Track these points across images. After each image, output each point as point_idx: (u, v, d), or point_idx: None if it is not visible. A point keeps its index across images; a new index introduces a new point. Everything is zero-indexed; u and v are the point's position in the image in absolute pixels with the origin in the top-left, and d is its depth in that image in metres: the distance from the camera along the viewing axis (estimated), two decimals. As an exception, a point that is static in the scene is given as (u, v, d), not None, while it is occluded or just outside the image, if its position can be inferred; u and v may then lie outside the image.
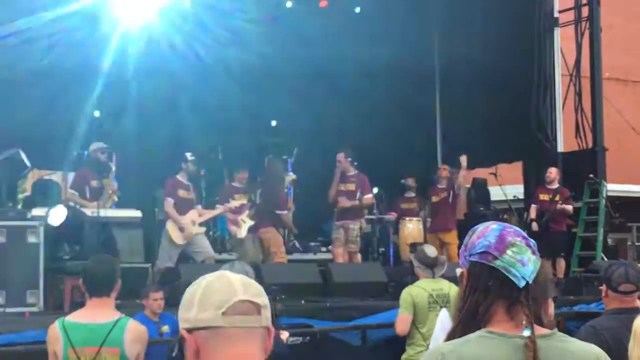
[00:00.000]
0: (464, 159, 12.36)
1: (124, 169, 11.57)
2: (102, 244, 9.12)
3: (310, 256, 13.31)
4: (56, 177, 14.13)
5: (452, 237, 12.29)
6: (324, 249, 13.48)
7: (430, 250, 7.00)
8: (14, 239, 8.14)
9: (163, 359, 3.94)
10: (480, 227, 2.26)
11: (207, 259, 10.56)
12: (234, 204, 11.16)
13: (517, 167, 14.40)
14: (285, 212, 11.79)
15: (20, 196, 12.82)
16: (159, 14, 12.20)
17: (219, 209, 11.36)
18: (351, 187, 11.56)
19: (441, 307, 6.61)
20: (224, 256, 11.98)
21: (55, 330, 4.40)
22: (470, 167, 12.97)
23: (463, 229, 10.85)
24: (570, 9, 13.99)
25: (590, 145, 13.44)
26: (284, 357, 4.34)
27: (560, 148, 13.36)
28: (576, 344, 2.20)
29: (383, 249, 13.19)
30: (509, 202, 13.33)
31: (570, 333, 2.49)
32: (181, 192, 10.76)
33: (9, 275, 8.04)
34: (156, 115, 13.50)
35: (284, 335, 4.84)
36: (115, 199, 10.57)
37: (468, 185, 14.33)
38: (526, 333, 2.10)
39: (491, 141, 13.71)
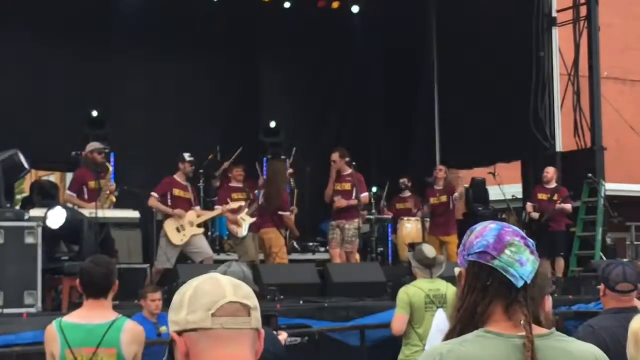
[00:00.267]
0: (461, 192, 12.52)
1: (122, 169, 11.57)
2: (101, 245, 9.10)
3: (308, 256, 13.29)
4: (54, 177, 14.14)
5: (452, 237, 12.30)
6: (322, 249, 13.45)
7: (429, 251, 6.96)
8: (11, 240, 8.10)
9: (161, 360, 3.92)
10: (479, 227, 2.25)
11: (206, 259, 10.54)
12: (233, 205, 11.13)
13: (516, 167, 14.38)
14: (288, 213, 11.78)
15: (19, 197, 12.80)
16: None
17: (218, 210, 11.33)
18: (347, 186, 11.51)
19: (438, 308, 6.59)
20: (223, 257, 11.96)
21: (52, 331, 4.40)
22: (469, 167, 12.95)
23: (462, 229, 10.85)
24: (568, 8, 13.96)
25: (589, 144, 13.42)
26: (282, 358, 4.32)
27: (559, 147, 13.34)
28: (575, 344, 2.19)
29: (382, 249, 13.18)
30: (508, 202, 13.34)
31: (569, 333, 2.48)
32: (177, 192, 10.70)
33: (7, 277, 8.01)
34: (156, 115, 13.51)
35: (282, 336, 4.81)
36: (114, 199, 10.55)
37: (467, 185, 14.33)
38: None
39: (490, 141, 13.69)
